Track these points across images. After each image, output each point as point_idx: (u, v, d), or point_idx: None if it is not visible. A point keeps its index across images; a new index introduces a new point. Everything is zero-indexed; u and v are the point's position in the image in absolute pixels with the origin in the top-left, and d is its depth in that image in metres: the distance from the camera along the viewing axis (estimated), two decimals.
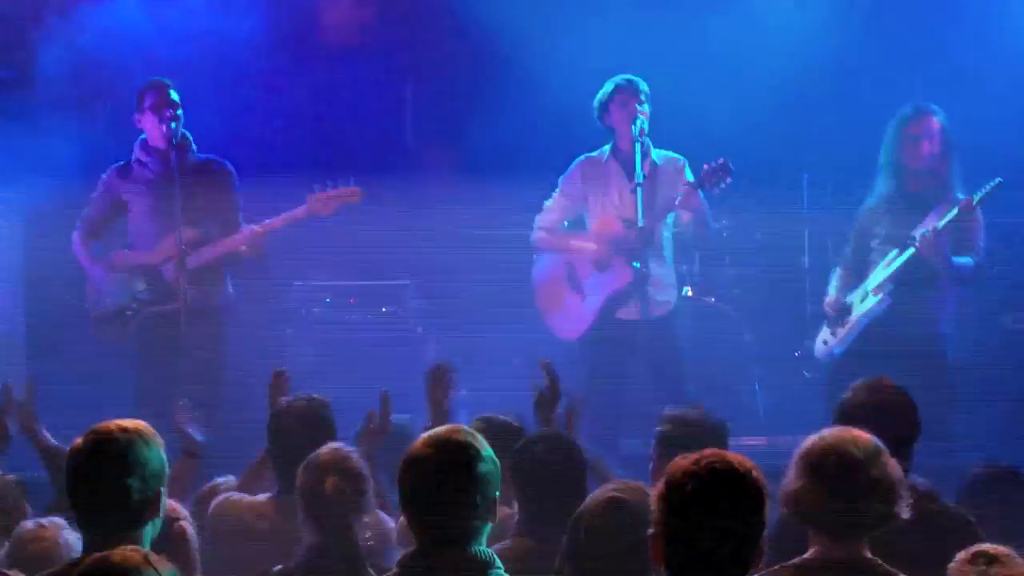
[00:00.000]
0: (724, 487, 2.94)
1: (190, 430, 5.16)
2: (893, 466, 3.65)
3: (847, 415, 4.26)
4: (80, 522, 3.58)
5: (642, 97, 7.22)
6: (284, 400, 4.95)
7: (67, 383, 5.27)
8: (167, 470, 3.63)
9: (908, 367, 6.95)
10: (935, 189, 7.16)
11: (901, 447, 4.20)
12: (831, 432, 3.70)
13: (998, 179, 6.97)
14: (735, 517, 2.93)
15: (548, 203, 7.55)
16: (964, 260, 7.10)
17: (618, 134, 7.29)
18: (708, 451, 3.02)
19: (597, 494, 3.78)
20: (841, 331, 7.25)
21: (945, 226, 6.97)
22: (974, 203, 6.98)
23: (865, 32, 8.77)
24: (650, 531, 2.99)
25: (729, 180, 7.06)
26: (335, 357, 8.51)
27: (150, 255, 7.23)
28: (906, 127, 7.13)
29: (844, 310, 7.24)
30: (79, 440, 3.59)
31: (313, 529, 4.09)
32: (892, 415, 4.26)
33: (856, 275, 7.35)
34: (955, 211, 6.98)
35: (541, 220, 7.55)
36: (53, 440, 5.03)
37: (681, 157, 7.40)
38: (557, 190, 7.54)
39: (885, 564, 3.61)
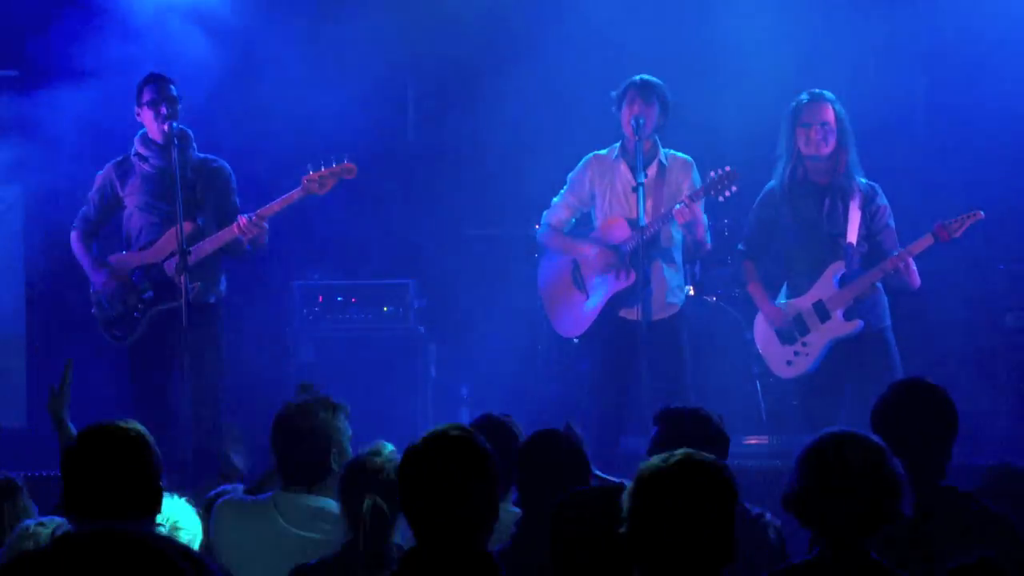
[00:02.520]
0: (689, 482, 2.96)
1: (234, 457, 5.11)
2: (896, 466, 3.65)
3: (886, 415, 4.27)
4: (82, 523, 3.48)
5: (651, 98, 7.19)
6: (294, 399, 4.91)
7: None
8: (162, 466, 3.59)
9: (862, 362, 7.00)
10: (836, 176, 7.09)
11: (940, 446, 4.23)
12: (833, 432, 3.69)
13: (980, 213, 6.90)
14: (699, 513, 2.94)
15: (556, 200, 7.54)
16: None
17: (626, 133, 7.28)
18: (682, 451, 3.05)
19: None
20: (804, 352, 7.18)
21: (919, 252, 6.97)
22: (954, 236, 6.91)
23: (870, 31, 8.78)
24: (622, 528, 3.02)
25: (735, 188, 7.04)
26: (336, 357, 8.52)
27: (152, 253, 7.21)
28: (801, 116, 7.07)
29: (798, 323, 7.21)
30: (77, 442, 3.55)
31: (349, 526, 4.12)
32: (931, 414, 4.26)
33: (763, 264, 7.35)
34: (931, 241, 6.92)
35: (549, 216, 7.54)
36: (74, 432, 4.95)
37: (689, 158, 7.39)
38: (566, 187, 7.53)
39: (889, 566, 3.60)
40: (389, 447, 4.30)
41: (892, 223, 7.18)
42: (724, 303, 8.67)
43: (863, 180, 7.17)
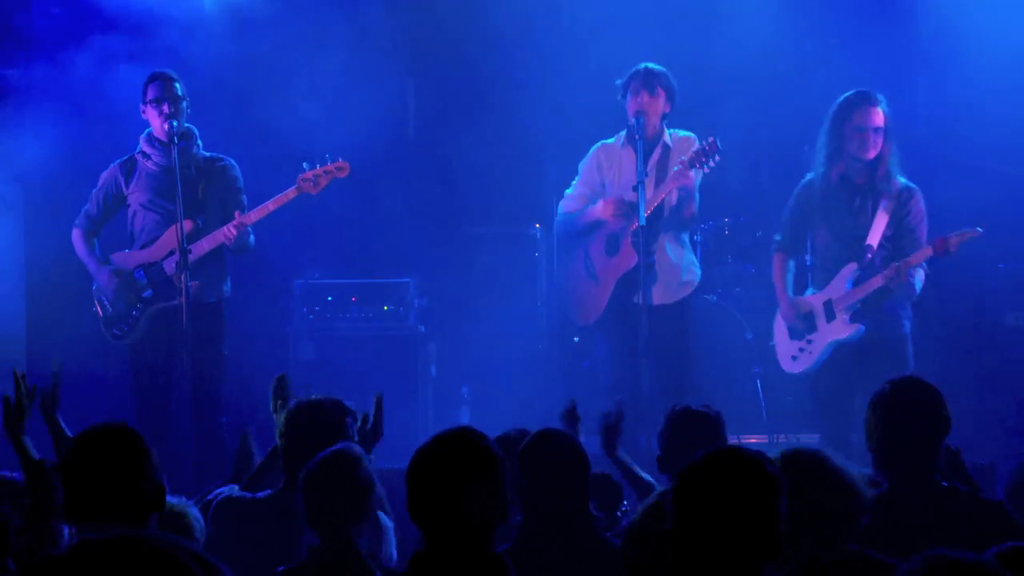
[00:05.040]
0: (734, 477, 2.94)
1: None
2: (836, 483, 3.62)
3: (882, 412, 4.31)
4: (82, 526, 3.48)
5: (655, 88, 7.21)
6: (303, 398, 4.90)
7: (67, 382, 5.26)
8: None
9: (876, 369, 6.96)
10: (878, 178, 7.01)
11: (934, 442, 4.27)
12: (786, 444, 3.69)
13: (978, 229, 6.83)
14: (745, 508, 2.92)
15: (569, 191, 7.64)
16: (918, 279, 6.99)
17: (632, 123, 7.31)
18: (727, 445, 3.01)
19: None
20: (808, 350, 7.15)
21: (917, 263, 6.89)
22: (951, 250, 6.79)
23: (870, 30, 8.78)
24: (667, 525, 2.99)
25: (718, 158, 7.06)
26: (336, 355, 8.51)
27: (152, 252, 7.21)
28: (853, 119, 6.94)
29: (807, 320, 7.17)
30: (73, 447, 3.54)
31: (314, 531, 4.06)
32: (926, 412, 4.30)
33: (795, 259, 7.31)
34: (930, 252, 6.85)
35: (563, 207, 7.62)
36: (68, 431, 4.94)
37: (692, 134, 7.39)
38: (577, 177, 7.61)
39: (869, 552, 3.61)
40: None
41: (919, 229, 7.03)
42: (724, 302, 8.67)
43: (902, 180, 7.08)
